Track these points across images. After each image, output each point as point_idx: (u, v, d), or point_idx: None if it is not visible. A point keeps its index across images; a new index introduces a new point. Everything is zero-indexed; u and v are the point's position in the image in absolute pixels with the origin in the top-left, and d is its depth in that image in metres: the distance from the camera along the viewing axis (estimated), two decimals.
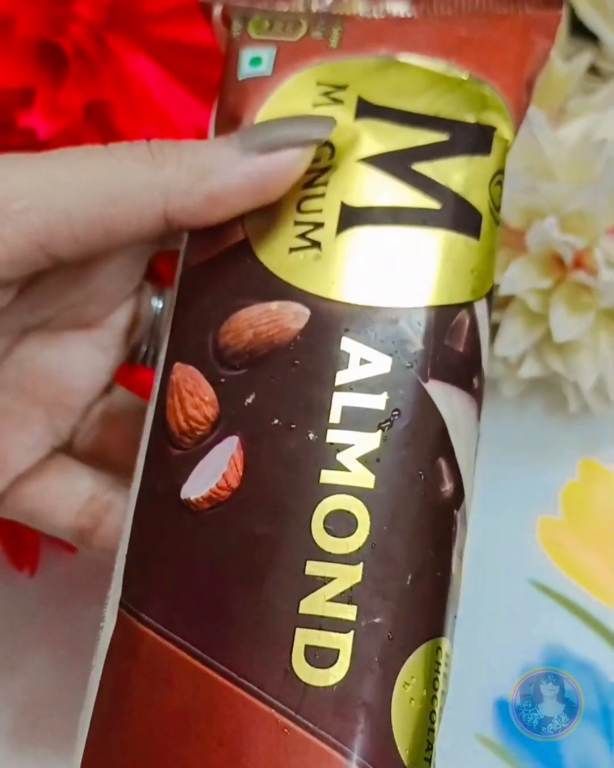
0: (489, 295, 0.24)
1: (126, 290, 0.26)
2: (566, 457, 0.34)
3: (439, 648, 0.22)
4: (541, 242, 0.32)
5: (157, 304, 0.27)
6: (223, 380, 0.22)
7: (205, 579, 0.21)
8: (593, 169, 0.32)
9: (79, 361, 0.26)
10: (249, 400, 0.22)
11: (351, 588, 0.21)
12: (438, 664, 0.22)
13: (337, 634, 0.20)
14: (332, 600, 0.21)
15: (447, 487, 0.22)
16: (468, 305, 0.23)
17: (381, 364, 0.22)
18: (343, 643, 0.20)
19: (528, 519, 0.33)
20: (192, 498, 0.22)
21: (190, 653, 0.21)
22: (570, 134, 0.34)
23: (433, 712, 0.22)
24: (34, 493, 0.26)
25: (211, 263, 0.23)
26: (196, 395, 0.22)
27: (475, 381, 0.23)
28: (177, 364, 0.23)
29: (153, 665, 0.21)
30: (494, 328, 0.34)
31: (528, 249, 0.32)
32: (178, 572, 0.22)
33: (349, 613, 0.21)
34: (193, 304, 0.23)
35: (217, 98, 0.27)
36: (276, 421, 0.22)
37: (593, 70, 0.37)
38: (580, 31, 0.37)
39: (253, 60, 0.25)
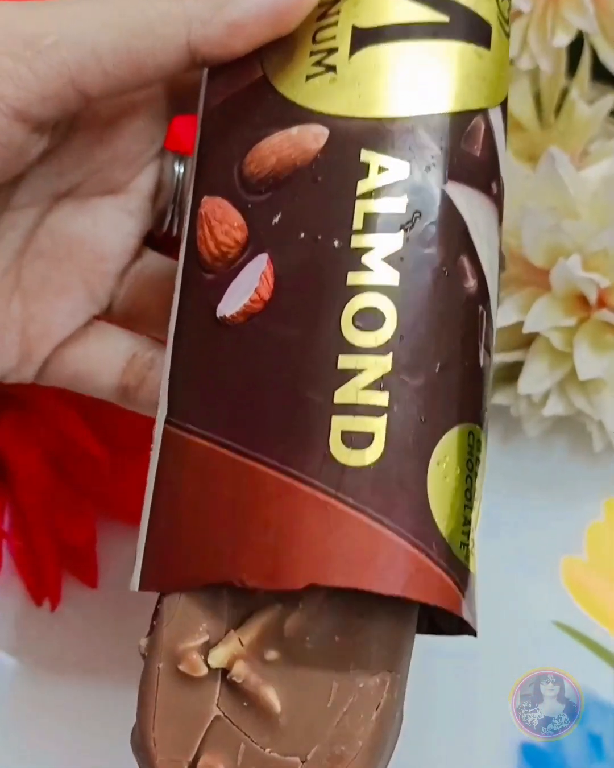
0: (504, 105, 0.24)
1: (148, 153, 0.27)
2: (590, 497, 0.34)
3: (472, 433, 0.23)
4: (565, 280, 0.32)
5: (179, 169, 0.28)
6: (249, 205, 0.24)
7: (244, 385, 0.23)
8: None
9: (109, 226, 0.27)
10: (276, 220, 0.23)
11: (382, 377, 0.22)
12: (471, 448, 0.23)
13: (371, 419, 0.22)
14: (365, 389, 0.22)
15: (471, 283, 0.23)
16: (483, 112, 0.24)
17: (399, 170, 0.23)
18: (377, 426, 0.22)
19: (552, 559, 0.33)
20: (227, 315, 0.23)
21: (234, 451, 0.22)
22: (592, 176, 0.34)
23: (468, 490, 0.23)
24: (77, 357, 0.27)
25: (230, 101, 0.24)
26: (225, 222, 0.24)
27: (494, 186, 0.24)
28: (205, 198, 0.24)
29: (201, 467, 0.23)
30: (517, 367, 0.34)
31: (552, 287, 0.32)
32: (219, 383, 0.23)
33: (382, 399, 0.22)
34: (216, 141, 0.24)
35: None
36: (302, 235, 0.23)
37: None
38: (602, 75, 0.38)
39: None
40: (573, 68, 0.37)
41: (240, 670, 0.22)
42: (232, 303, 0.23)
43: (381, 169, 0.23)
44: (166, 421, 0.24)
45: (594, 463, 0.35)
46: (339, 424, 0.22)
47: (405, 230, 0.22)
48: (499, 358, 0.34)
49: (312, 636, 0.22)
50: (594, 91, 0.38)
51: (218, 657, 0.22)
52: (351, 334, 0.22)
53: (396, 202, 0.22)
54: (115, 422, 0.32)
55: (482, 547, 0.33)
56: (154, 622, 0.23)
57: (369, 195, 0.23)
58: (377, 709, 0.22)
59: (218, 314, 0.23)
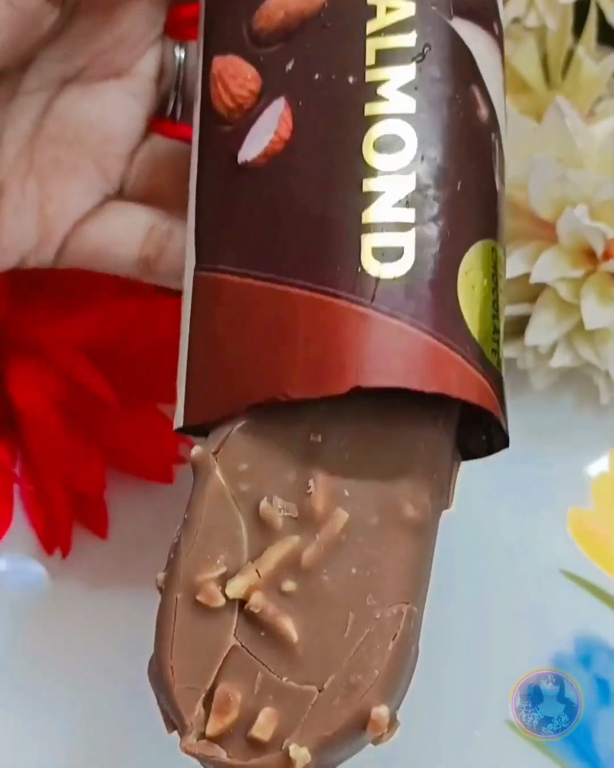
0: None
1: (150, 36, 0.28)
2: (597, 449, 0.34)
3: (494, 250, 0.24)
4: (572, 231, 0.32)
5: (180, 53, 0.29)
6: (261, 58, 0.24)
7: (271, 221, 0.23)
8: None
9: (115, 108, 0.28)
10: (289, 67, 0.24)
11: (406, 195, 0.23)
12: (495, 263, 0.24)
13: (399, 234, 0.23)
14: (392, 207, 0.23)
15: (483, 111, 0.24)
16: None
17: (407, 8, 0.24)
18: (406, 240, 0.23)
19: (559, 510, 0.33)
20: (249, 159, 0.24)
21: (267, 281, 0.23)
22: (599, 132, 0.34)
23: (495, 302, 0.24)
24: (96, 232, 0.28)
25: None
26: (239, 76, 0.24)
27: (496, 27, 0.25)
28: (216, 58, 0.25)
29: (235, 301, 0.24)
30: (524, 321, 0.34)
31: (559, 239, 0.33)
32: (246, 223, 0.24)
33: (408, 215, 0.23)
34: (223, 4, 0.25)
35: None
36: (317, 76, 0.24)
37: None
38: (608, 38, 0.38)
39: None
40: (580, 28, 0.37)
41: (257, 601, 0.22)
42: (253, 147, 0.24)
43: (389, 10, 0.24)
44: (196, 270, 0.24)
45: (601, 415, 0.35)
46: (369, 241, 0.23)
47: (417, 62, 0.23)
48: (508, 311, 0.33)
49: (329, 567, 0.22)
50: (600, 53, 0.38)
51: (236, 587, 0.22)
52: (373, 158, 0.23)
53: (406, 38, 0.24)
54: (126, 372, 0.32)
55: (490, 500, 0.33)
56: (172, 555, 0.23)
57: (379, 33, 0.24)
58: (394, 639, 0.22)
59: (239, 160, 0.24)
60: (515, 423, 0.35)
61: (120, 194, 0.28)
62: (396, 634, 0.22)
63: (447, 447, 0.24)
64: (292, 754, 0.21)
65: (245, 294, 0.23)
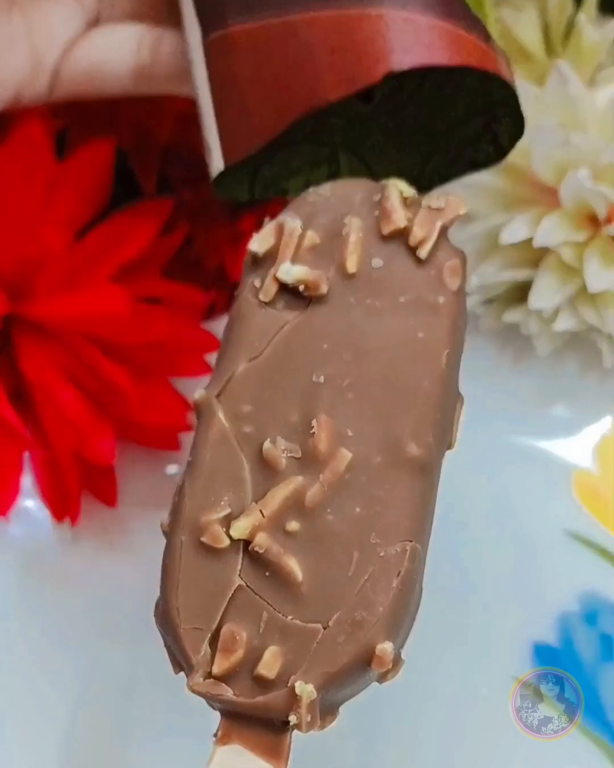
0: None
1: None
2: (601, 412, 0.35)
3: None
4: (574, 194, 0.32)
5: None
6: None
7: None
8: None
9: None
10: None
11: None
12: None
13: None
14: None
15: None
16: None
17: None
18: None
19: (563, 473, 0.34)
20: None
21: (282, 15, 0.26)
22: (601, 97, 0.34)
23: None
24: (85, 54, 0.29)
25: None
26: None
27: None
28: None
29: (252, 46, 0.26)
30: (527, 287, 0.34)
31: (562, 203, 0.33)
32: None
33: None
34: None
35: None
36: None
37: None
38: (609, 7, 0.38)
39: None
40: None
41: (262, 541, 0.23)
42: None
43: None
44: (205, 39, 0.26)
45: (604, 378, 0.35)
46: None
47: None
48: (509, 276, 0.34)
49: (333, 507, 0.23)
50: (601, 20, 0.38)
51: (240, 528, 0.23)
52: None
53: None
54: (134, 348, 0.32)
55: (495, 466, 0.34)
56: (176, 499, 0.24)
57: None
58: (398, 576, 0.22)
59: None
60: (519, 387, 0.35)
61: (98, 22, 0.29)
62: (400, 572, 0.22)
63: (450, 382, 0.24)
64: (297, 690, 0.22)
65: (262, 35, 0.25)
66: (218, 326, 0.31)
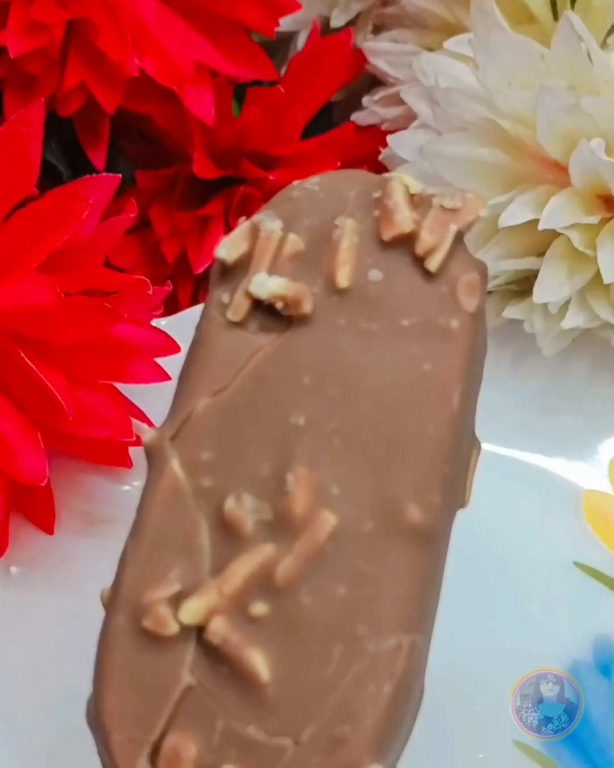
0: None
1: None
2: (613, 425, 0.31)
3: None
4: (586, 170, 0.28)
5: None
6: None
7: None
8: None
9: None
10: None
11: None
12: None
13: None
14: None
15: None
16: None
17: None
18: None
19: (571, 493, 0.30)
20: None
21: None
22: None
23: None
24: None
25: None
26: None
27: None
28: None
29: None
30: (531, 279, 0.30)
31: (572, 180, 0.29)
32: None
33: None
34: None
35: None
36: None
37: None
38: None
39: None
40: None
41: (218, 628, 0.18)
42: None
43: None
44: None
45: None
46: None
47: None
48: (510, 266, 0.30)
49: (310, 586, 0.18)
50: None
51: (191, 611, 0.18)
52: None
53: None
54: (70, 349, 0.28)
55: (490, 485, 0.30)
56: (118, 568, 0.19)
57: None
58: (390, 679, 0.18)
59: None
60: (522, 394, 0.32)
61: None
62: (393, 673, 0.18)
63: (463, 426, 0.20)
64: None
65: None
66: (180, 325, 0.28)
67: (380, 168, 0.34)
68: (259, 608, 0.18)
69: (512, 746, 0.27)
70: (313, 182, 0.21)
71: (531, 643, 0.28)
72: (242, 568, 0.18)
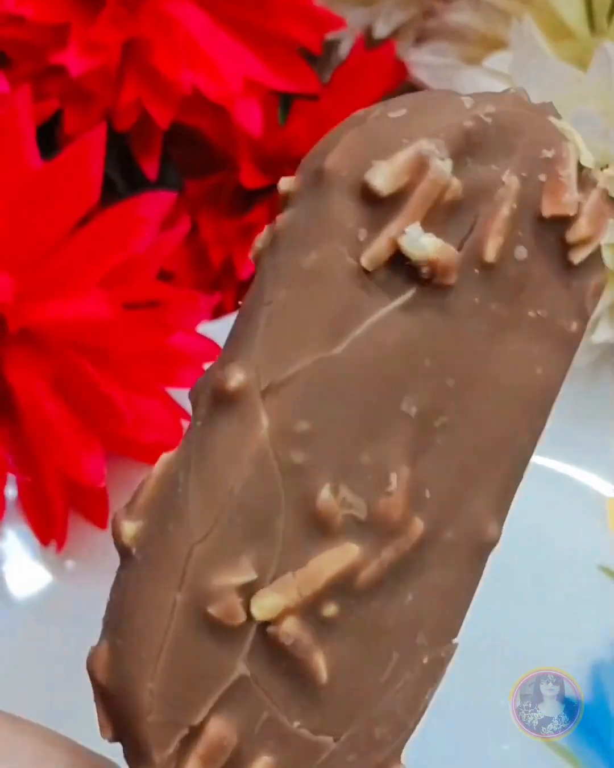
0: None
1: None
2: None
3: None
4: None
5: None
6: None
7: None
8: None
9: None
10: None
11: None
12: None
13: None
14: None
15: None
16: None
17: None
18: None
19: (597, 502, 0.31)
20: None
21: None
22: None
23: None
24: None
25: None
26: None
27: None
28: None
29: None
30: None
31: None
32: None
33: None
34: None
35: None
36: None
37: None
38: None
39: None
40: None
41: (291, 629, 0.17)
42: None
43: None
44: None
45: None
46: None
47: None
48: None
49: (383, 591, 0.17)
50: None
51: (267, 608, 0.16)
52: None
53: None
54: (126, 358, 0.29)
55: (523, 490, 0.31)
56: (167, 523, 0.17)
57: None
58: (432, 687, 0.18)
59: None
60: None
61: None
62: (435, 681, 0.18)
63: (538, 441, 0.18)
64: None
65: None
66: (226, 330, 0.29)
67: None
68: (331, 609, 0.17)
69: (540, 743, 0.28)
70: (485, 109, 0.17)
71: (554, 648, 0.29)
72: (327, 569, 0.17)
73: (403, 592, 0.17)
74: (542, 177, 0.17)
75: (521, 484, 0.30)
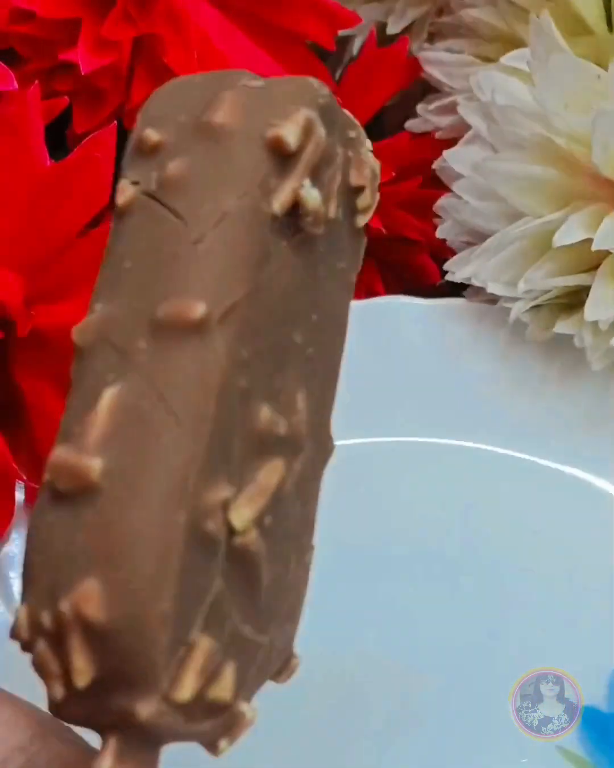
0: None
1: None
2: None
3: None
4: None
5: None
6: None
7: None
8: None
9: None
10: None
11: None
12: None
13: None
14: None
15: None
16: None
17: None
18: None
19: (608, 502, 0.30)
20: None
21: None
22: None
23: None
24: None
25: None
26: None
27: None
28: None
29: None
30: (583, 293, 0.31)
31: None
32: None
33: None
34: None
35: None
36: None
37: None
38: None
39: None
40: None
41: (254, 539, 0.18)
42: None
43: None
44: None
45: None
46: None
47: None
48: (562, 282, 0.30)
49: (291, 500, 0.19)
50: None
51: (244, 519, 0.17)
52: None
53: None
54: None
55: (534, 497, 0.31)
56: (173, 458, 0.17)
57: None
58: (305, 585, 0.20)
59: None
60: (568, 408, 0.32)
61: None
62: (308, 582, 0.20)
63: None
64: (247, 713, 0.18)
65: None
66: None
67: (434, 177, 0.34)
68: (268, 520, 0.18)
69: (555, 750, 0.27)
70: (325, 90, 0.20)
71: (572, 659, 0.28)
72: (270, 481, 0.18)
73: (297, 502, 0.19)
74: (350, 152, 0.20)
75: (531, 486, 0.30)
